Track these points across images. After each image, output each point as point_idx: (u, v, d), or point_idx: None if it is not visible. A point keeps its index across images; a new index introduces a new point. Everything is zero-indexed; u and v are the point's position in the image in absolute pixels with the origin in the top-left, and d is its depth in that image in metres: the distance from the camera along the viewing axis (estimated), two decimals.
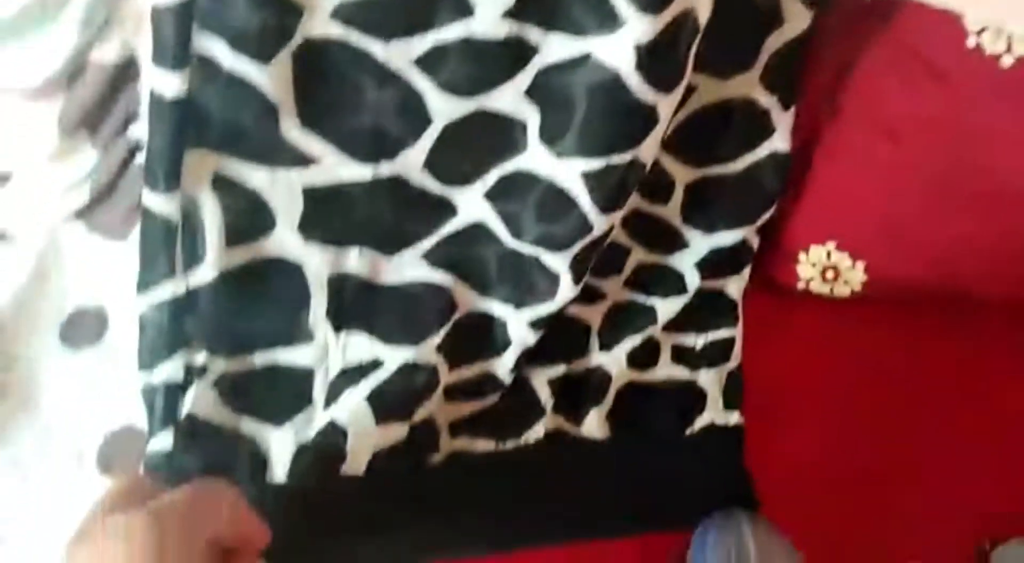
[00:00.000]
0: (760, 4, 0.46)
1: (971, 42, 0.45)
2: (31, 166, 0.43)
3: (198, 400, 0.41)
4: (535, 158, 0.44)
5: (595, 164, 0.43)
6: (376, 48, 0.40)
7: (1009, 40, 0.44)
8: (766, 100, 0.48)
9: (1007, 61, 0.44)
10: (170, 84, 0.38)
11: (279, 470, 0.42)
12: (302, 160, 0.42)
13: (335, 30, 0.39)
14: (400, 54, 0.40)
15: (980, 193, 0.48)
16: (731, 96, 0.48)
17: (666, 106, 0.42)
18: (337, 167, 0.42)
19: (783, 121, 0.49)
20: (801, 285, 0.56)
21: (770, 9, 0.46)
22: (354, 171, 0.42)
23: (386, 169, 0.43)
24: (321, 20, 0.39)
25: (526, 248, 0.46)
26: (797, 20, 0.46)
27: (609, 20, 0.39)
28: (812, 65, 0.50)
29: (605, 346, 0.51)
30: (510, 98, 0.43)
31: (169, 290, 0.41)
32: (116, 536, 0.29)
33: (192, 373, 0.42)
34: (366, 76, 0.41)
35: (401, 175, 0.43)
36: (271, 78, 0.39)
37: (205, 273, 0.42)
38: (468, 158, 0.44)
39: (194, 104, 0.39)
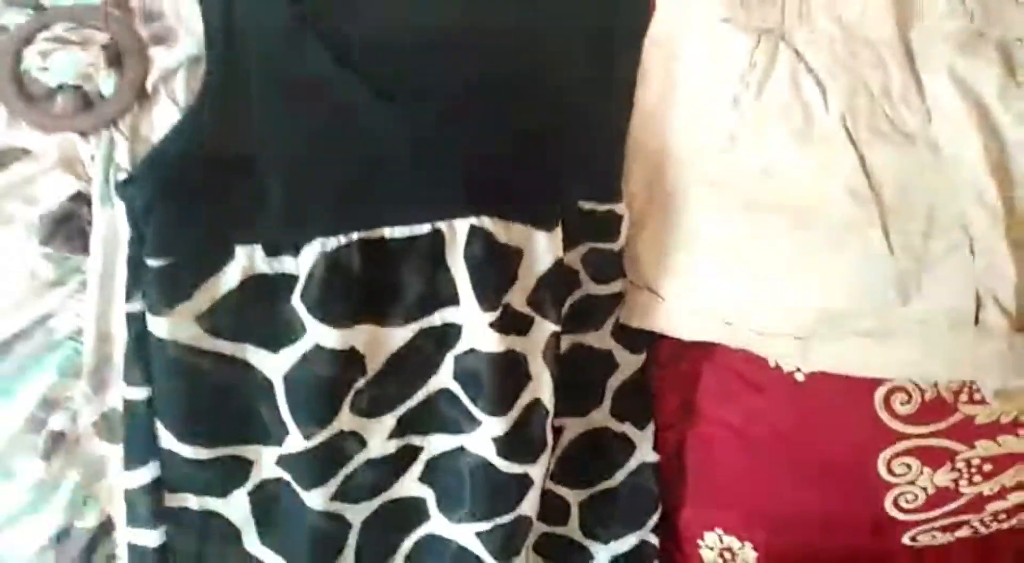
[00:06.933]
0: (597, 357, 0.57)
1: (772, 362, 0.56)
2: None
3: None
4: (438, 524, 0.53)
5: (485, 525, 0.51)
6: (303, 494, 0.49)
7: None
8: (620, 427, 0.58)
9: (800, 376, 0.56)
10: (149, 538, 0.48)
11: None
12: None
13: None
14: (318, 496, 0.48)
15: (816, 474, 0.57)
16: (592, 427, 0.58)
17: (537, 470, 0.52)
18: None
19: (642, 439, 0.59)
20: None
21: (605, 360, 0.57)
22: None
23: None
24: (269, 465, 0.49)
25: None
26: (628, 365, 0.57)
27: (469, 422, 0.50)
28: (669, 383, 0.61)
29: None
30: (409, 484, 0.52)
31: None
32: None
33: None
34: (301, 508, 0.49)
35: None
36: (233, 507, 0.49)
37: None
38: (385, 539, 0.53)
39: (170, 547, 0.49)
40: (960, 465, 0.56)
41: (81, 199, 0.45)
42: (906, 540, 0.60)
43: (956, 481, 0.57)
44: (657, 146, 0.53)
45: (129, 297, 0.44)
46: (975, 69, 0.48)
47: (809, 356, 0.52)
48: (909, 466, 0.56)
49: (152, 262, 0.43)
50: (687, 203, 0.53)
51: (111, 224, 0.44)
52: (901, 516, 0.58)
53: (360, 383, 0.48)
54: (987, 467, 0.56)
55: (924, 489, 0.57)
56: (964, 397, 0.53)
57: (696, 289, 0.54)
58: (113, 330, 0.46)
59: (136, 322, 0.44)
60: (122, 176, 0.44)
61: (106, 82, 0.44)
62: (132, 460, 0.47)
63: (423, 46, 0.47)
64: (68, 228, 0.45)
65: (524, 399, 0.50)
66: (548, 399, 0.51)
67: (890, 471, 0.56)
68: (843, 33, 0.49)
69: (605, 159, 0.53)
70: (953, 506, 0.58)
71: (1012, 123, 0.47)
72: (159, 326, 0.43)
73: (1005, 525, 0.61)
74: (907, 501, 0.57)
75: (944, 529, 0.60)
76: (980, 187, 0.46)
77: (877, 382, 0.54)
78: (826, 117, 0.48)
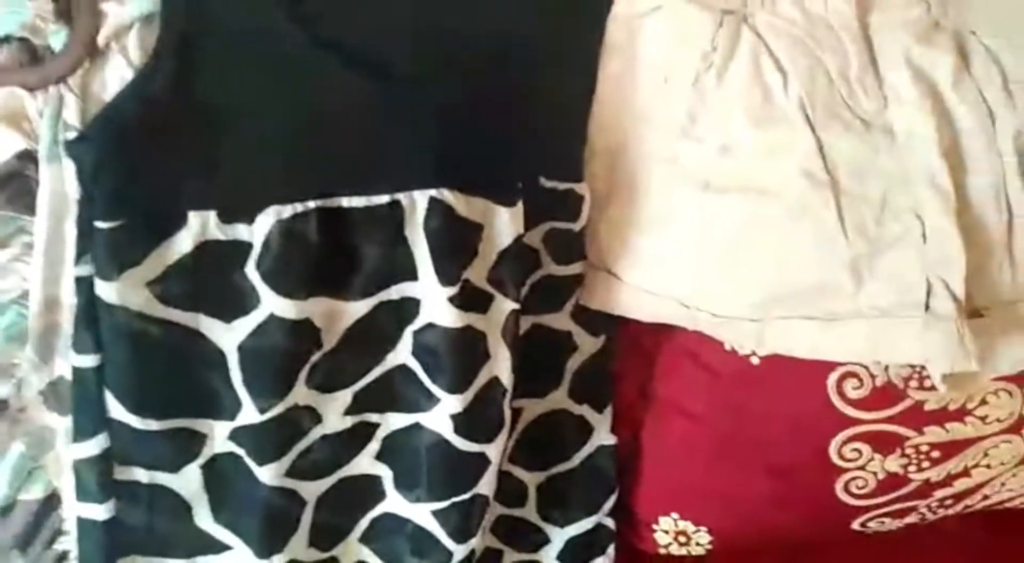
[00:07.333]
0: (557, 338, 0.56)
1: (728, 346, 0.57)
2: None
3: None
4: (394, 503, 0.53)
5: (441, 505, 0.51)
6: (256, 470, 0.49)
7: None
8: (578, 409, 0.58)
9: (755, 360, 0.56)
10: (97, 512, 0.47)
11: None
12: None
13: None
14: (272, 471, 0.48)
15: (764, 458, 0.58)
16: (550, 409, 0.58)
17: (494, 449, 0.52)
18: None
19: (600, 421, 0.59)
20: (662, 550, 0.64)
21: (565, 341, 0.57)
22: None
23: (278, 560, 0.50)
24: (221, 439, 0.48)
25: None
26: (588, 347, 0.57)
27: (427, 399, 0.50)
28: (628, 367, 0.61)
29: None
30: (365, 462, 0.52)
31: None
32: None
33: None
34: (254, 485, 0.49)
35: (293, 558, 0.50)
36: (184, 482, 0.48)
37: None
38: (341, 517, 0.52)
39: (119, 521, 0.48)
40: (909, 451, 0.57)
41: (28, 157, 0.43)
42: (856, 526, 0.62)
43: (905, 467, 0.58)
44: (618, 124, 0.53)
45: (78, 260, 0.43)
46: (931, 58, 0.49)
47: (764, 339, 0.53)
48: (860, 451, 0.57)
49: (101, 224, 0.42)
50: (647, 183, 0.53)
51: (59, 184, 0.43)
52: (852, 501, 0.59)
53: (316, 356, 0.47)
54: (935, 453, 0.57)
55: (875, 474, 0.58)
56: (914, 383, 0.54)
57: (655, 271, 0.54)
58: (61, 295, 0.45)
59: (86, 286, 0.43)
60: (71, 135, 0.43)
61: (55, 36, 0.43)
62: (81, 431, 0.46)
63: (388, 19, 0.47)
64: (13, 187, 0.43)
65: (482, 377, 0.50)
66: (507, 378, 0.51)
67: (841, 456, 0.57)
68: (804, 18, 0.49)
69: (566, 137, 0.53)
70: (902, 492, 0.59)
71: (966, 112, 0.48)
72: (108, 291, 0.42)
73: (951, 511, 0.62)
74: (858, 487, 0.58)
75: (893, 515, 0.61)
76: (933, 172, 0.47)
77: (830, 367, 0.55)
78: (785, 100, 0.48)
